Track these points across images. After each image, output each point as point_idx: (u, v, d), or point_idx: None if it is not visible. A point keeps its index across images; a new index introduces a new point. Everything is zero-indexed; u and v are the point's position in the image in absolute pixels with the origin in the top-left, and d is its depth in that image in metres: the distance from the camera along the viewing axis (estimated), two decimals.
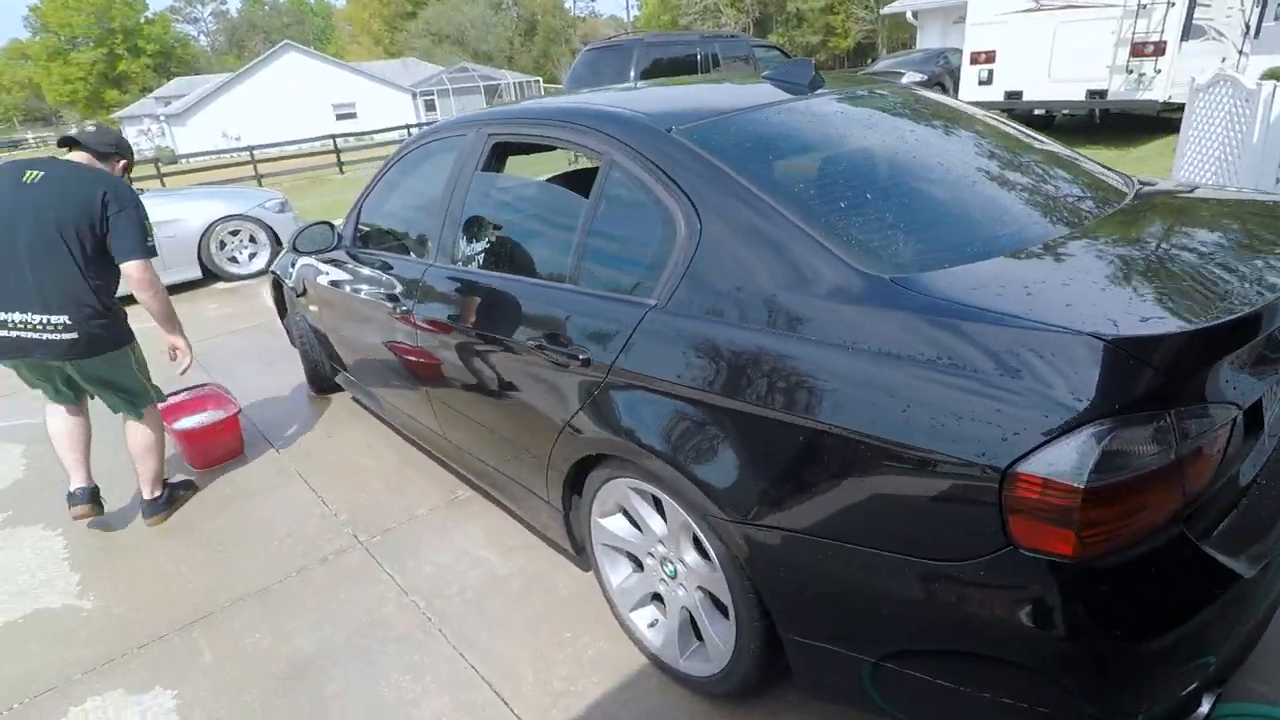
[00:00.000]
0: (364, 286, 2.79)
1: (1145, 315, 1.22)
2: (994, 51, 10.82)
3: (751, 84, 2.17)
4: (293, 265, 3.55)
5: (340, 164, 18.08)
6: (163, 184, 14.28)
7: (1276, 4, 12.97)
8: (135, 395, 2.75)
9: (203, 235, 6.62)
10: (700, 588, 1.74)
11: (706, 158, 1.65)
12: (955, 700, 1.29)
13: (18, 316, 2.44)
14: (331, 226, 2.98)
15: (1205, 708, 1.27)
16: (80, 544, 2.78)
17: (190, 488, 3.08)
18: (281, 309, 4.15)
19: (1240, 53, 11.66)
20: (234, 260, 6.91)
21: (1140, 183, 1.98)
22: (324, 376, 3.79)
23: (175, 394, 3.37)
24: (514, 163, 2.58)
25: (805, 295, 1.41)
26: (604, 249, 1.85)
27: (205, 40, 71.93)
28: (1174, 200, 1.86)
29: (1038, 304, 1.23)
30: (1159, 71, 9.57)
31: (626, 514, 1.90)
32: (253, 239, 6.97)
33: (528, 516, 2.34)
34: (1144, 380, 1.10)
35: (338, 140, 18.76)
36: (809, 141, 1.86)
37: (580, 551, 2.14)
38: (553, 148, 2.14)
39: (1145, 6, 9.46)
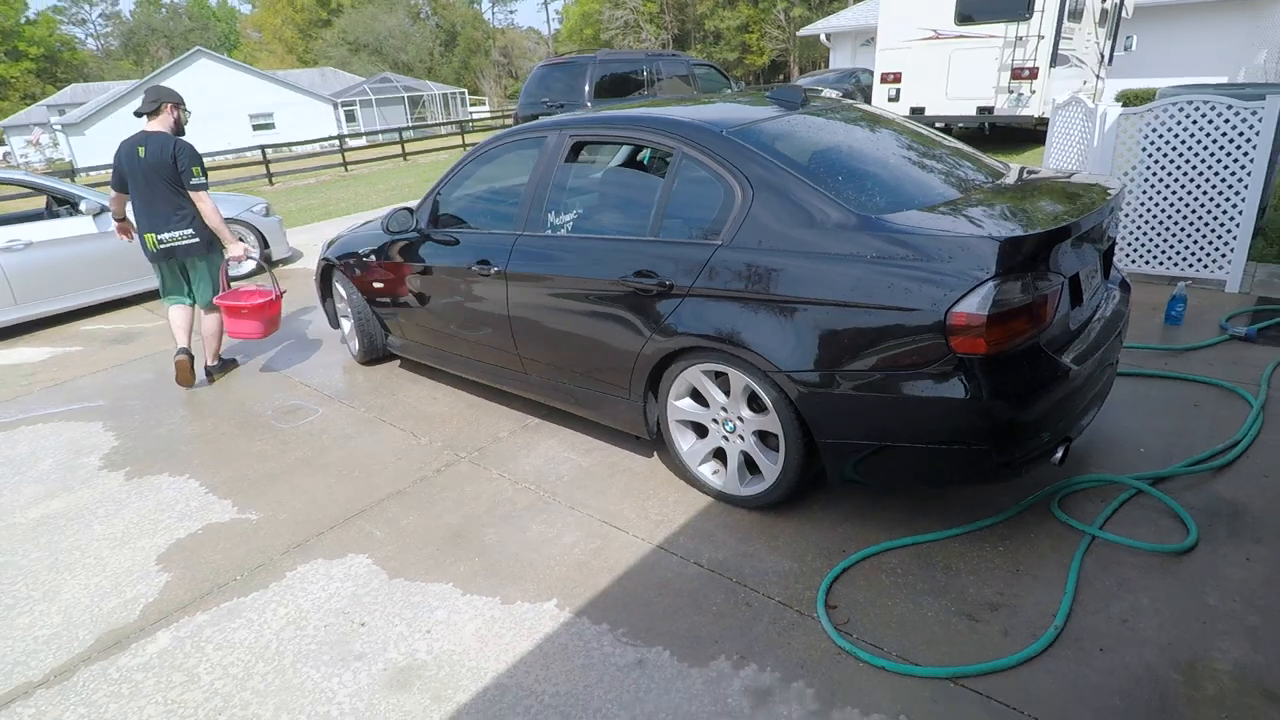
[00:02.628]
0: (448, 257, 3.53)
1: (1014, 228, 2.21)
2: (900, 73, 12.33)
3: (759, 102, 3.08)
4: (350, 251, 4.22)
5: (270, 175, 18.05)
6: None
7: (1125, 37, 15.10)
8: (211, 292, 4.43)
9: None
10: (755, 432, 2.63)
11: (752, 149, 2.56)
12: (925, 457, 2.24)
13: (168, 234, 4.19)
14: (411, 211, 3.71)
15: (1059, 455, 2.27)
16: (216, 483, 3.39)
17: (235, 364, 4.82)
18: (324, 293, 4.78)
19: (1098, 77, 13.67)
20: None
21: (1025, 170, 3.00)
22: (378, 348, 4.47)
23: (239, 286, 4.77)
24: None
25: (821, 228, 2.34)
26: (678, 212, 2.71)
27: (95, 44, 67.99)
28: (1036, 179, 2.89)
29: (958, 226, 2.21)
30: (1033, 92, 11.24)
31: (694, 397, 2.77)
32: (242, 240, 7.39)
33: (605, 418, 3.16)
34: (1015, 259, 2.09)
35: (266, 151, 18.71)
36: (808, 138, 2.78)
37: (652, 435, 2.97)
38: (626, 145, 2.99)
39: (1021, 38, 11.11)
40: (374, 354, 4.54)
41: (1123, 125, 4.80)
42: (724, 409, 2.69)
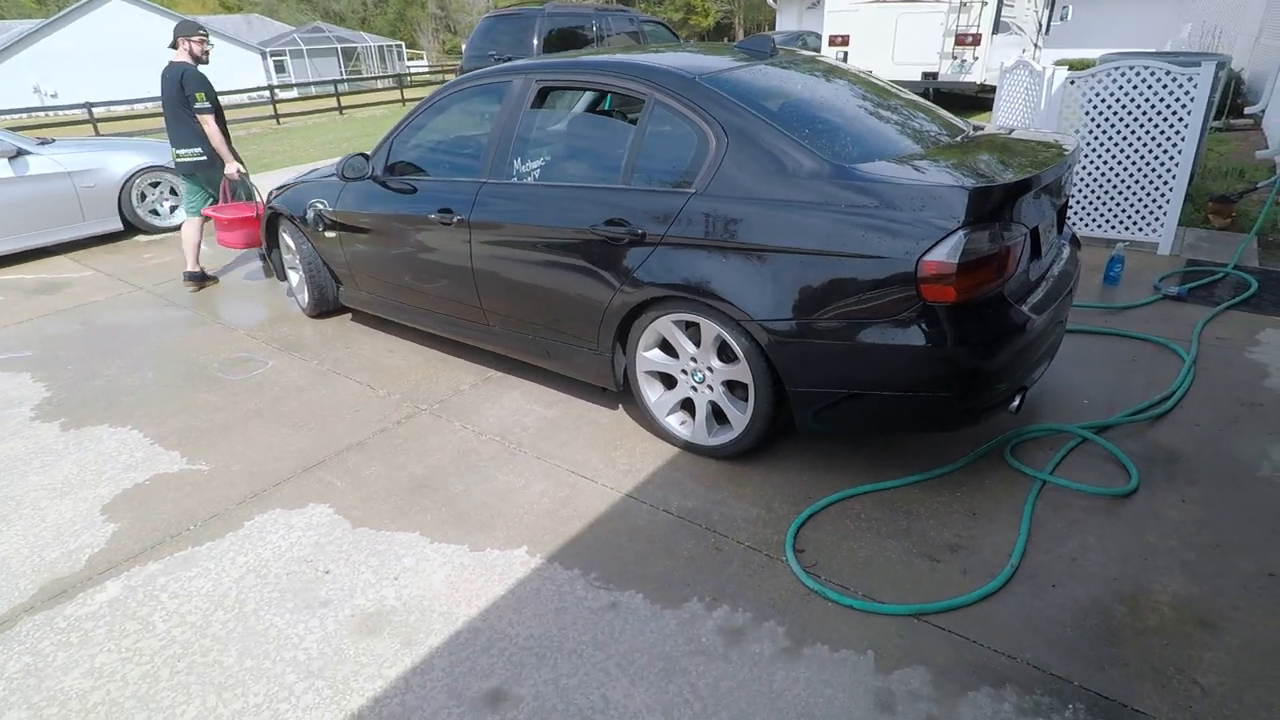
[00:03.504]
0: (406, 205, 3.41)
1: (984, 179, 2.25)
2: (848, 35, 12.38)
3: (728, 52, 3.04)
4: (299, 199, 4.04)
5: None
6: None
7: (1061, 8, 15.54)
8: (198, 203, 5.09)
9: (123, 186, 6.60)
10: (724, 383, 2.65)
11: (727, 97, 2.53)
12: (891, 405, 2.30)
13: (184, 150, 4.90)
14: (366, 157, 3.56)
15: (1015, 403, 2.36)
16: (163, 434, 3.23)
17: (213, 279, 5.30)
18: (270, 244, 4.57)
19: (1036, 46, 14.02)
20: (155, 213, 6.92)
21: (975, 127, 3.06)
22: (328, 300, 4.31)
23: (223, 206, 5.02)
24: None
25: (795, 177, 2.34)
26: (650, 160, 2.67)
27: None
28: (996, 135, 2.96)
29: (929, 176, 2.24)
30: (976, 59, 11.46)
31: (662, 348, 2.77)
32: (173, 191, 6.99)
33: (571, 370, 3.13)
34: (984, 209, 2.13)
35: None
36: (781, 88, 2.76)
37: (619, 387, 2.97)
38: (595, 91, 2.91)
39: (965, 4, 11.28)
40: (324, 306, 4.38)
41: (1068, 89, 4.94)
42: (694, 359, 2.69)
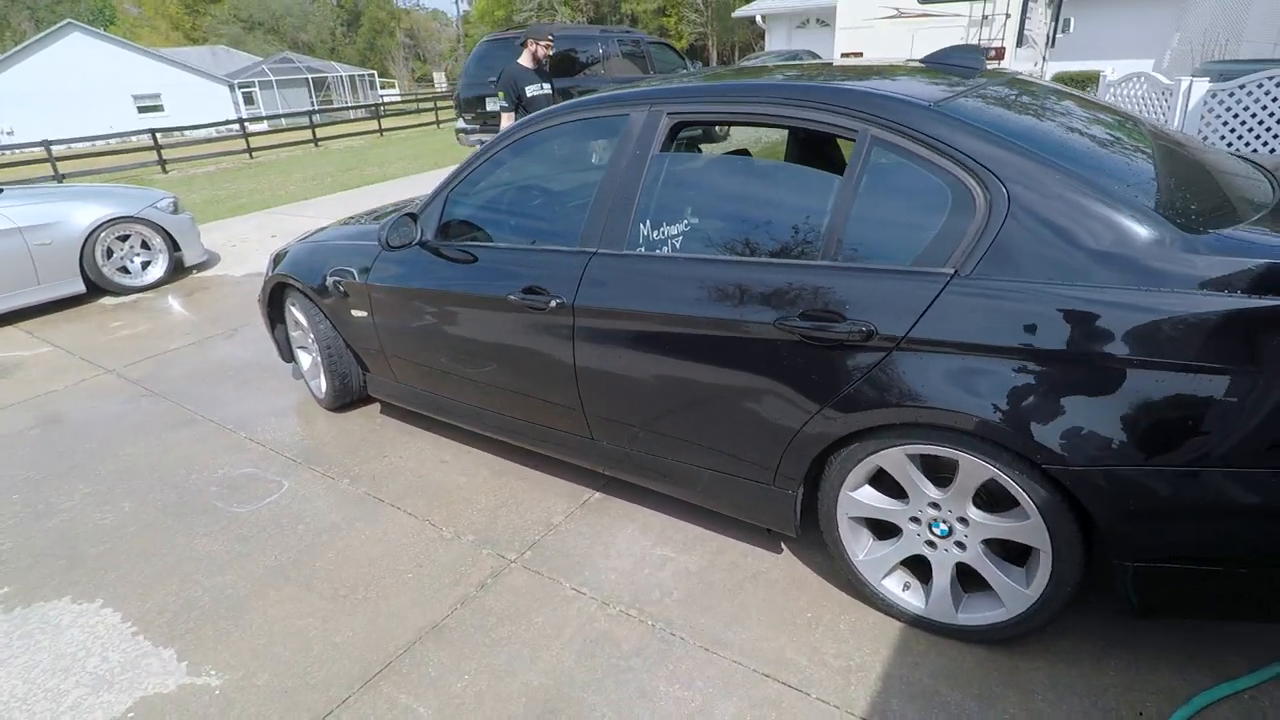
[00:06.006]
0: (471, 281, 2.56)
1: None
2: (861, 53, 11.76)
3: (918, 70, 2.25)
4: (314, 266, 3.17)
5: (163, 162, 15.95)
6: None
7: (1064, 20, 15.23)
8: None
9: (85, 242, 5.64)
10: (985, 540, 1.82)
11: (994, 133, 1.72)
12: None
13: None
14: (414, 218, 2.71)
15: None
16: (147, 613, 2.31)
17: None
18: (274, 319, 3.68)
19: (1044, 59, 13.61)
20: (124, 270, 5.98)
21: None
22: (351, 391, 3.43)
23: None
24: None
25: (1128, 251, 1.54)
26: (868, 226, 1.85)
27: None
28: None
29: None
30: None
31: (875, 483, 1.94)
32: (145, 245, 6.06)
33: (725, 506, 2.28)
34: None
35: (157, 135, 16.51)
36: (1045, 120, 1.97)
37: (799, 532, 2.13)
38: (761, 125, 2.09)
39: (988, 17, 10.74)
40: (347, 398, 3.49)
41: (1209, 103, 4.25)
42: (933, 505, 1.87)
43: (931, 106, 1.81)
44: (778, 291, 1.90)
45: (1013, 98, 2.02)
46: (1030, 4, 11.27)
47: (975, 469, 1.74)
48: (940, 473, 1.85)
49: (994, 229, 1.66)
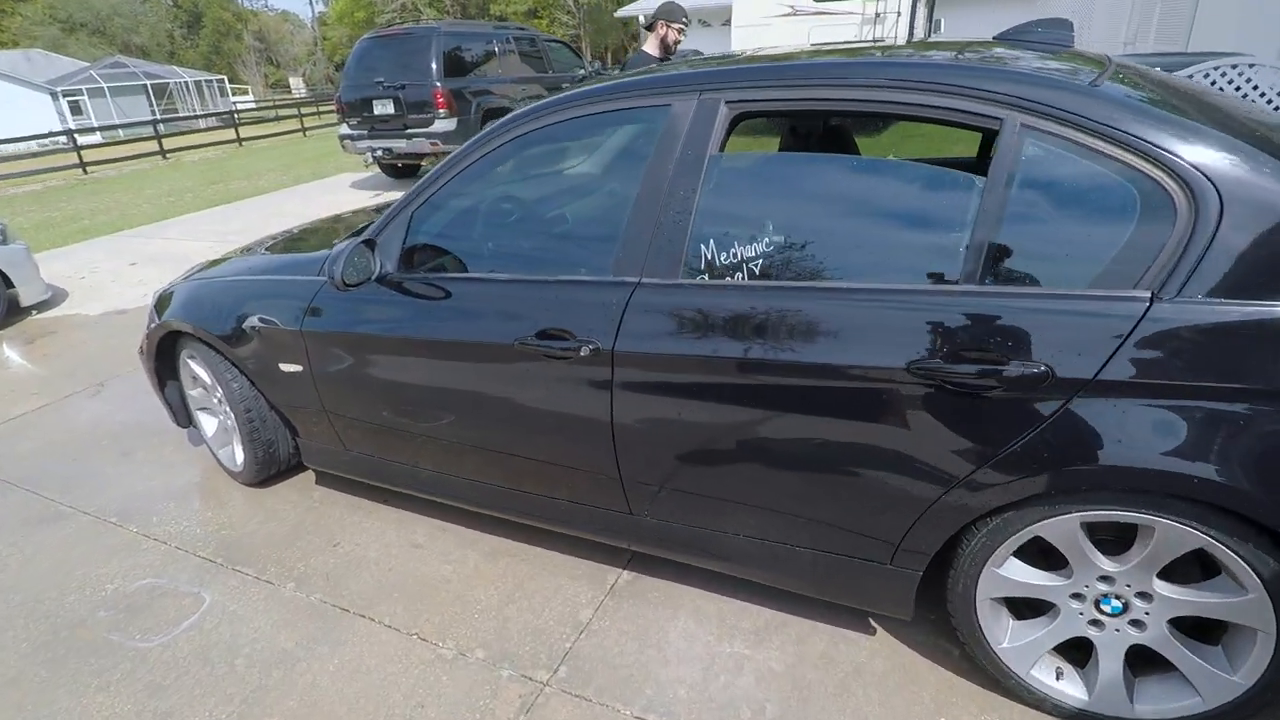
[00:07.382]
0: (455, 325, 1.99)
1: None
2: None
3: (1017, 48, 1.89)
4: (224, 310, 2.48)
5: None
6: None
7: (936, 20, 16.00)
8: None
9: None
10: (1172, 619, 1.50)
11: (1184, 120, 1.38)
12: None
13: None
14: (371, 246, 2.09)
15: None
16: None
17: None
18: (163, 376, 2.91)
19: None
20: None
21: None
22: (278, 460, 2.74)
23: None
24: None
25: None
26: (1028, 236, 1.47)
27: None
28: None
29: None
30: None
31: (1021, 555, 1.58)
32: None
33: (817, 589, 1.85)
34: None
35: None
36: (1204, 105, 1.63)
37: (912, 615, 1.74)
38: (854, 113, 1.66)
39: (880, 15, 10.98)
40: (273, 468, 2.79)
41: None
42: (1104, 579, 1.52)
43: (1097, 90, 1.45)
44: (908, 326, 1.49)
45: (1150, 81, 1.70)
46: (917, 3, 11.66)
47: (1177, 536, 1.40)
48: (1100, 536, 1.51)
49: (1202, 239, 1.32)
